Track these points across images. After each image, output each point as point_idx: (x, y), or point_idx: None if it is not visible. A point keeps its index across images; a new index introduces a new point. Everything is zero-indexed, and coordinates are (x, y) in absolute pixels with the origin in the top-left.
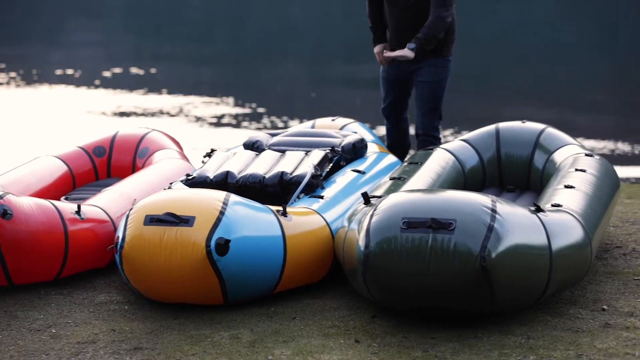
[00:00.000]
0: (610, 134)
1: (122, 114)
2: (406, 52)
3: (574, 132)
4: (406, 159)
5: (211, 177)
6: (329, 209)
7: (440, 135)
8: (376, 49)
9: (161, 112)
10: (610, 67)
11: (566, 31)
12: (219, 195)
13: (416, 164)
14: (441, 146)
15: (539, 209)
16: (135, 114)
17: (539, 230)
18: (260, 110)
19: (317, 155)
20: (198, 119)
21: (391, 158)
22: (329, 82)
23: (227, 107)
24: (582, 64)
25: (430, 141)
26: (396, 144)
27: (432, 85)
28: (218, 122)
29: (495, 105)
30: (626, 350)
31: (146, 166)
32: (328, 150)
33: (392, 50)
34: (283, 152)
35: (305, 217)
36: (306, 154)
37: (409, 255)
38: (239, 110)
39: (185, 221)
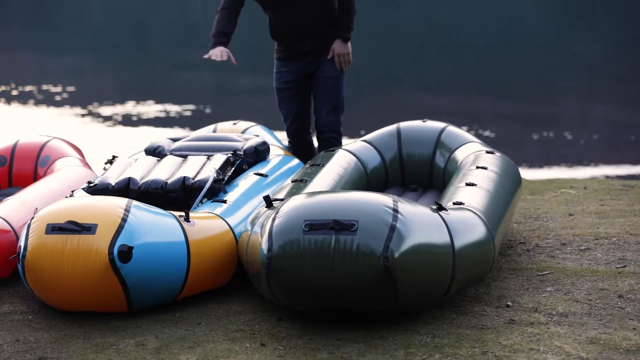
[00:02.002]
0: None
1: (22, 123)
2: (345, 48)
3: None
4: (308, 161)
5: (113, 184)
6: (232, 213)
7: (342, 131)
8: (218, 47)
9: (61, 120)
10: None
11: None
12: (120, 202)
13: (318, 166)
14: (343, 147)
15: (440, 208)
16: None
17: (441, 229)
18: (164, 114)
19: (218, 159)
20: (105, 119)
21: (294, 161)
22: (234, 89)
23: (132, 110)
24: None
25: (335, 138)
26: (301, 152)
27: (336, 80)
28: (122, 124)
29: (397, 100)
30: (531, 345)
31: (48, 174)
32: (230, 154)
33: (291, 55)
34: (185, 157)
35: (208, 222)
36: (208, 158)
37: (312, 257)
38: (144, 114)
39: (87, 229)
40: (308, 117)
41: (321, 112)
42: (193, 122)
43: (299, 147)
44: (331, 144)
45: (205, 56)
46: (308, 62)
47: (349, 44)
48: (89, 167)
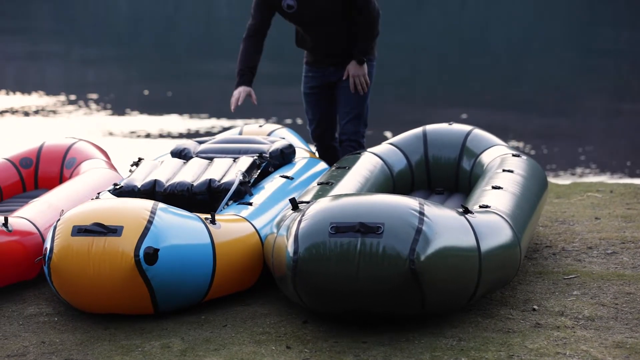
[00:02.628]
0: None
1: (48, 124)
2: (360, 70)
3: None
4: (334, 164)
5: (139, 187)
6: (258, 216)
7: (364, 143)
8: (240, 89)
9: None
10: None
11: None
12: (146, 204)
13: (344, 169)
14: (369, 150)
15: (467, 211)
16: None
17: (467, 232)
18: (189, 115)
19: (244, 162)
20: (130, 125)
21: (320, 163)
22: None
23: (157, 119)
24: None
25: (354, 148)
26: (326, 154)
27: (358, 91)
28: (148, 133)
29: (421, 108)
30: (557, 349)
31: (73, 177)
32: (256, 157)
33: (317, 61)
34: (211, 159)
35: (234, 224)
36: (234, 160)
37: (338, 260)
38: (169, 123)
39: (113, 231)
40: (333, 123)
41: (341, 121)
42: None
43: (324, 152)
44: (349, 152)
45: (232, 108)
46: (332, 72)
47: (365, 66)
48: (115, 169)
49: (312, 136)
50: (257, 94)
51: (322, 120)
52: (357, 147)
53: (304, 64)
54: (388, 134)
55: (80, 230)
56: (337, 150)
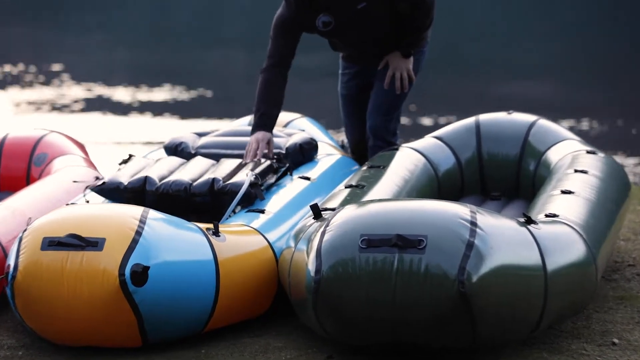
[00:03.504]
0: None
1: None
2: (404, 62)
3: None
4: (366, 162)
5: (125, 184)
6: (272, 226)
7: (398, 142)
8: (259, 135)
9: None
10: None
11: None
12: (134, 211)
13: (378, 168)
14: (409, 145)
15: (530, 221)
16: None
17: (530, 247)
18: (192, 101)
19: (259, 164)
20: (114, 106)
21: (348, 162)
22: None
23: (156, 96)
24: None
25: (383, 147)
26: (357, 149)
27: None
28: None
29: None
30: None
31: (44, 176)
32: (273, 161)
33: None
34: (217, 158)
35: (242, 237)
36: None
37: (371, 281)
38: (170, 101)
39: (93, 244)
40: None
41: (370, 115)
42: (223, 112)
43: (355, 148)
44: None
45: (248, 159)
46: (372, 65)
47: (411, 59)
48: (95, 168)
49: (350, 143)
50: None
51: (355, 122)
52: (386, 146)
53: (341, 58)
54: (427, 121)
55: (52, 243)
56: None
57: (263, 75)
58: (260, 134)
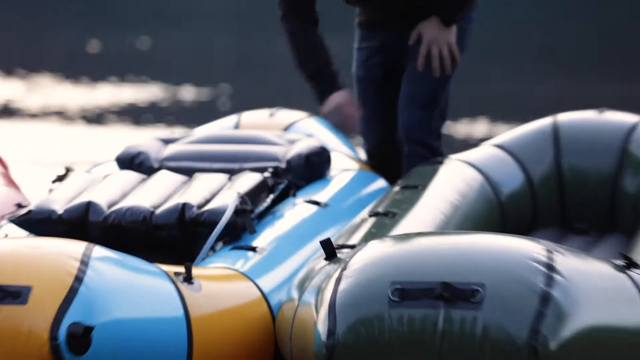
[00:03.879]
0: None
1: None
2: (443, 34)
3: None
4: (399, 180)
5: (60, 212)
6: (267, 270)
7: (441, 146)
8: (336, 98)
9: None
10: None
11: None
12: (72, 248)
13: (415, 189)
14: (458, 156)
15: (631, 264)
16: None
17: (632, 301)
18: (148, 99)
19: (247, 180)
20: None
21: (373, 178)
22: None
23: (94, 92)
24: None
25: (423, 155)
26: (383, 160)
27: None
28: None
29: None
30: None
31: None
32: (267, 174)
33: (377, 14)
34: (190, 174)
35: (224, 284)
36: (229, 178)
37: (406, 346)
38: (114, 99)
39: (14, 295)
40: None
41: (403, 112)
42: (199, 112)
43: (380, 157)
44: (415, 163)
45: (326, 113)
46: (402, 33)
47: (454, 29)
48: (16, 186)
49: (366, 142)
50: (272, 71)
51: (383, 118)
52: (427, 155)
53: (357, 26)
54: (481, 127)
55: None
56: (400, 155)
57: (295, 40)
58: (343, 93)
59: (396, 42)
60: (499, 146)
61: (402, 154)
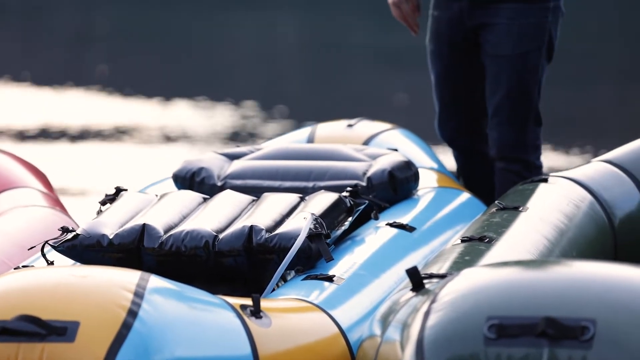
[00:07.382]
0: None
1: None
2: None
3: None
4: (496, 201)
5: (110, 237)
6: (345, 302)
7: (542, 160)
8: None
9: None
10: None
11: None
12: (126, 278)
13: (514, 210)
14: (562, 174)
15: None
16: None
17: None
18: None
19: (323, 201)
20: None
21: (466, 199)
22: (346, 51)
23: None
24: None
25: (518, 173)
26: (475, 177)
27: (519, 60)
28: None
29: None
30: None
31: None
32: (346, 194)
33: None
34: (257, 193)
35: (297, 318)
36: (302, 199)
37: None
38: (171, 109)
39: (59, 331)
40: (481, 112)
41: (491, 130)
42: (264, 124)
43: (466, 165)
44: (510, 182)
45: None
46: (468, 9)
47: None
48: (63, 208)
49: (440, 133)
50: (345, 72)
51: (453, 103)
52: (522, 171)
53: None
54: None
55: None
56: (491, 169)
57: None
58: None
59: (459, 17)
60: (610, 162)
61: (494, 168)
